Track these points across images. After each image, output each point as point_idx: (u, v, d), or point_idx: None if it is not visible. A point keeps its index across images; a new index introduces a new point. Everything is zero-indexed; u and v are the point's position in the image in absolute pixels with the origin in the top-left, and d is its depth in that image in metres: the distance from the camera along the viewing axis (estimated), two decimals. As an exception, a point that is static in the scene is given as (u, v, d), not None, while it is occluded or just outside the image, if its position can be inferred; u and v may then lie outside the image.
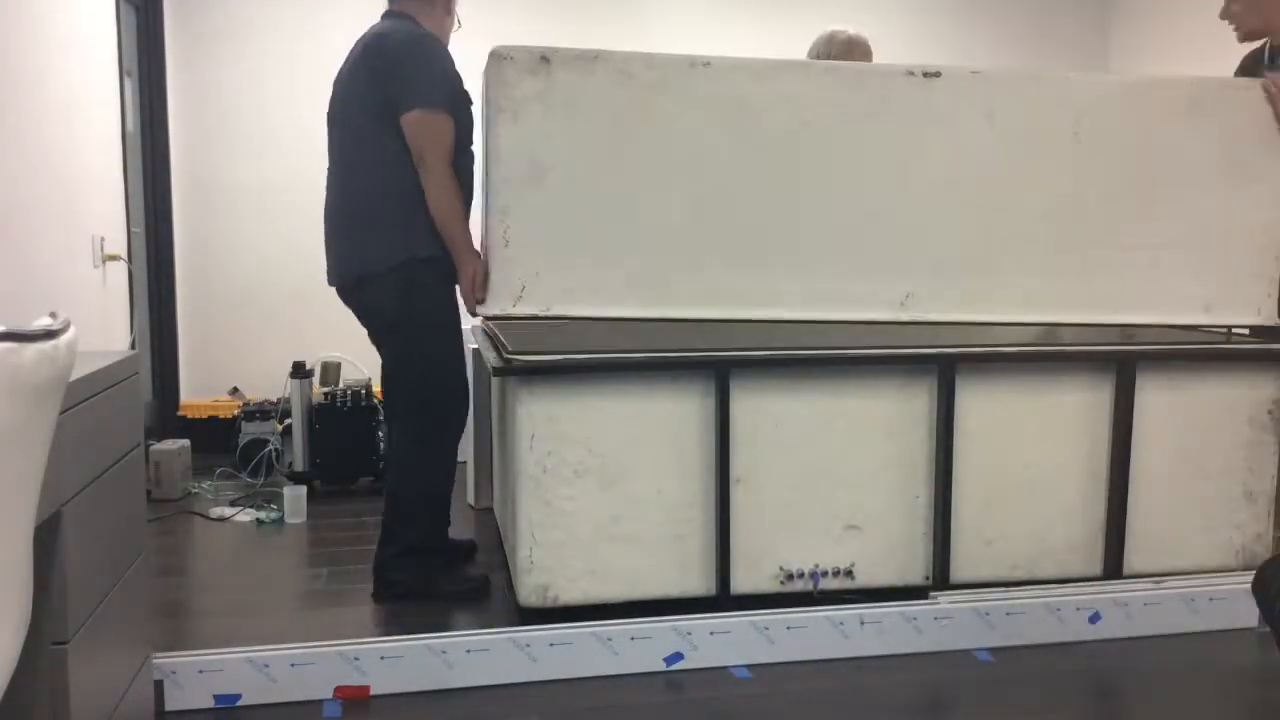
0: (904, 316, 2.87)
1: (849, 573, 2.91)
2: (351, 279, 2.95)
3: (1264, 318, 3.04)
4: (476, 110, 2.98)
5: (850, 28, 3.77)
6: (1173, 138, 2.95)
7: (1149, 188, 2.95)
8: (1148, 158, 2.94)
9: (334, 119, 2.98)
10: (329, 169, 2.99)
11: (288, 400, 4.26)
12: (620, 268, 2.74)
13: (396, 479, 3.03)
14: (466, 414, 3.09)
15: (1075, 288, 2.95)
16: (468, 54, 5.13)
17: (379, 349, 3.04)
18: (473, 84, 2.97)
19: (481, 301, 2.76)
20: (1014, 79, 2.87)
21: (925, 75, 2.82)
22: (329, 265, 3.02)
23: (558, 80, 2.66)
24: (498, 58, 2.66)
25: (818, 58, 3.78)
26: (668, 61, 2.72)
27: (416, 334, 2.91)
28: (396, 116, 2.81)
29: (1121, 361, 2.97)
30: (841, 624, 2.68)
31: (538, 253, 2.70)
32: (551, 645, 2.54)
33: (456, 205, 2.84)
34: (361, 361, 4.67)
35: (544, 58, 2.65)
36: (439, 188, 2.80)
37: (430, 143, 2.79)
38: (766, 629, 2.64)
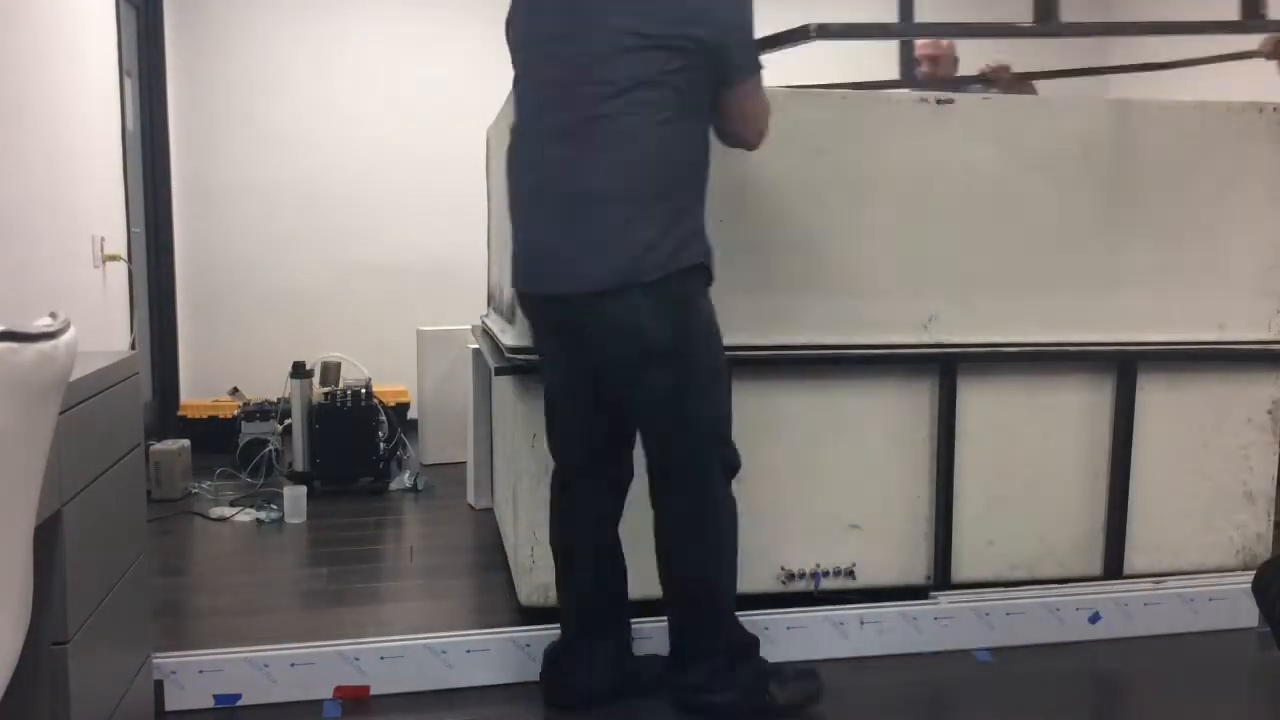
0: (927, 339, 2.87)
1: (850, 572, 2.91)
2: (599, 288, 2.15)
3: (1275, 332, 3.05)
4: (488, 139, 2.84)
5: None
6: (1182, 159, 2.96)
7: (1159, 208, 2.97)
8: (1157, 179, 2.95)
9: (584, 59, 2.14)
10: (550, 124, 2.20)
11: (288, 400, 4.26)
12: None
13: (697, 565, 2.34)
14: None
15: (1091, 308, 2.96)
16: (469, 57, 5.13)
17: (617, 383, 2.27)
18: (483, 93, 2.96)
19: None
20: (1023, 103, 2.88)
21: (938, 102, 2.83)
22: (551, 267, 2.23)
23: None
24: None
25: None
26: None
27: (695, 362, 2.25)
28: (704, 84, 2.17)
29: (1122, 361, 2.97)
30: (841, 624, 2.69)
31: None
32: (552, 645, 2.54)
33: None
34: (361, 361, 4.68)
35: None
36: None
37: (762, 117, 2.30)
38: (766, 629, 2.64)
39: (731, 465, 2.36)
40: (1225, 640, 2.83)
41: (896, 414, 2.90)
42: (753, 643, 2.40)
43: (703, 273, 2.26)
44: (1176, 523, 3.06)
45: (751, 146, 2.37)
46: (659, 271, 2.14)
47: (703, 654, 2.34)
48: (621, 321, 2.17)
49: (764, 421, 2.83)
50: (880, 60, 5.08)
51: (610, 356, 2.23)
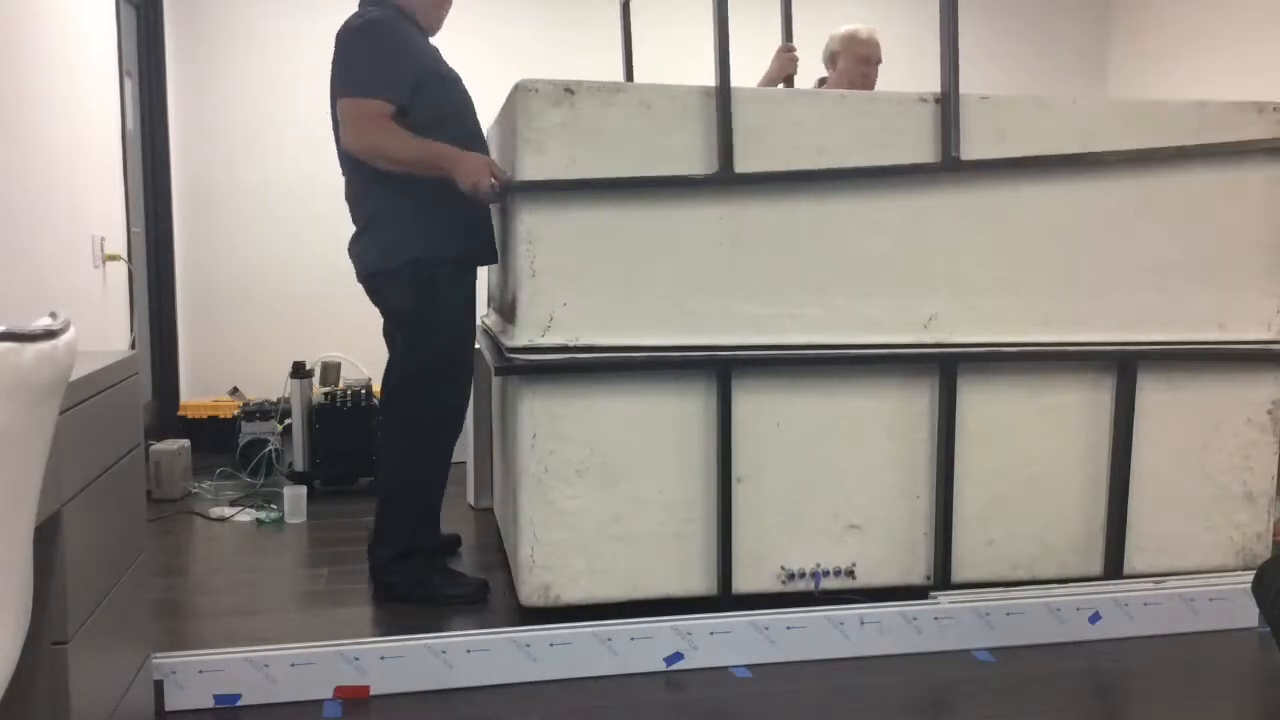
0: (927, 339, 2.87)
1: (850, 572, 2.91)
2: (364, 274, 2.98)
3: (1275, 332, 3.06)
4: (486, 139, 3.02)
5: (859, 26, 3.85)
6: (1182, 159, 2.95)
7: (1159, 209, 2.96)
8: (1157, 179, 2.95)
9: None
10: None
11: (288, 400, 4.26)
12: (646, 296, 2.75)
13: (390, 479, 3.01)
14: (463, 417, 3.07)
15: (1091, 308, 2.96)
16: (467, 57, 5.13)
17: (389, 345, 3.03)
18: (482, 94, 2.98)
19: (503, 180, 2.70)
20: (1022, 103, 2.88)
21: (937, 101, 2.83)
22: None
23: (581, 112, 2.67)
24: (523, 90, 2.67)
25: (828, 54, 3.84)
26: (687, 93, 2.73)
27: (424, 330, 2.89)
28: None
29: (1122, 361, 2.97)
30: (842, 624, 2.69)
31: (565, 282, 2.70)
32: (552, 645, 2.54)
33: (411, 144, 2.74)
34: (361, 361, 4.68)
35: (568, 89, 2.66)
36: (381, 152, 2.76)
37: (351, 129, 2.77)
38: (767, 629, 2.64)
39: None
40: (1225, 640, 2.83)
41: (896, 414, 2.90)
42: (416, 550, 2.99)
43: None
44: (1177, 523, 3.07)
45: (354, 154, 2.82)
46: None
47: (384, 538, 2.98)
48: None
49: (764, 421, 2.83)
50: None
51: None
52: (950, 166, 2.81)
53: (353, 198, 2.97)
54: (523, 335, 2.72)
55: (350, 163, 2.91)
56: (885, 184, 2.83)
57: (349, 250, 3.01)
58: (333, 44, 2.86)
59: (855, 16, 4.62)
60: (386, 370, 3.03)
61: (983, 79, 5.59)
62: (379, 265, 2.91)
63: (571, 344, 2.72)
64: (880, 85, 3.74)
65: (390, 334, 3.02)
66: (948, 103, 2.80)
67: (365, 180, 2.88)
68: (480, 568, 3.31)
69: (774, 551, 2.87)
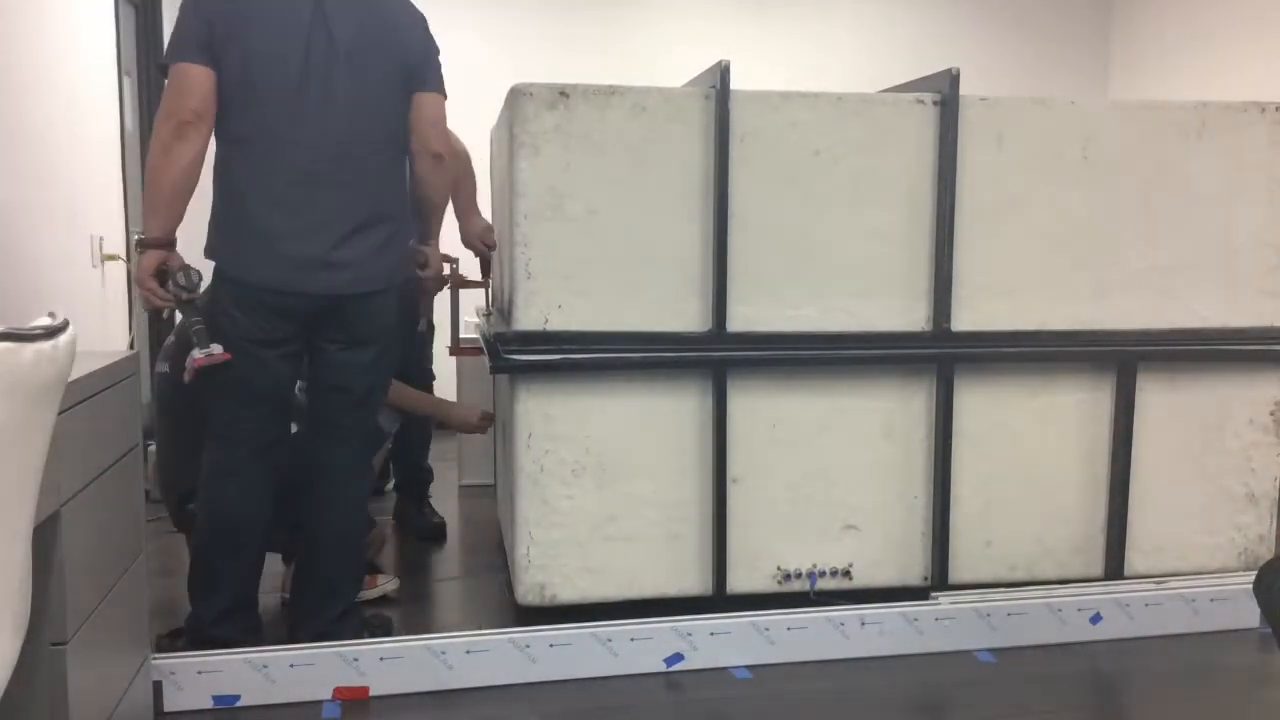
0: (926, 339, 2.86)
1: (847, 573, 2.91)
2: (387, 284, 2.57)
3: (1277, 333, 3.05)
4: (491, 140, 2.99)
5: None
6: (1182, 160, 2.95)
7: (1159, 209, 2.96)
8: (1157, 180, 2.95)
9: None
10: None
11: (287, 400, 4.25)
12: (641, 297, 2.74)
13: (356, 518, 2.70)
14: None
15: (1091, 308, 2.95)
16: (470, 59, 5.11)
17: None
18: (482, 97, 2.96)
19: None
20: (1022, 104, 2.88)
21: (934, 103, 2.82)
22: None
23: (576, 114, 2.67)
24: (518, 93, 2.66)
25: None
26: (683, 95, 2.73)
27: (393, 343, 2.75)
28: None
29: (1122, 361, 2.97)
30: (842, 624, 2.68)
31: (560, 285, 2.70)
32: (551, 646, 2.54)
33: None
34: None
35: (563, 92, 2.66)
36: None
37: (443, 130, 2.61)
38: (766, 629, 2.64)
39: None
40: (1227, 641, 2.82)
41: (893, 414, 2.90)
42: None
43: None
44: (1178, 524, 3.06)
45: (438, 153, 2.60)
46: None
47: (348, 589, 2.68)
48: None
49: (760, 421, 2.83)
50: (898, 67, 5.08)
51: None
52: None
53: (371, 192, 2.48)
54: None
55: (390, 151, 2.53)
56: (883, 188, 2.83)
57: (350, 258, 2.44)
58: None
59: (856, 17, 4.63)
60: (341, 393, 2.58)
61: (983, 79, 5.59)
62: (396, 276, 2.58)
63: (566, 344, 2.71)
64: (879, 87, 3.74)
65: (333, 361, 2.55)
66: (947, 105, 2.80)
67: (396, 174, 2.56)
68: (480, 568, 3.31)
69: (769, 552, 2.87)
